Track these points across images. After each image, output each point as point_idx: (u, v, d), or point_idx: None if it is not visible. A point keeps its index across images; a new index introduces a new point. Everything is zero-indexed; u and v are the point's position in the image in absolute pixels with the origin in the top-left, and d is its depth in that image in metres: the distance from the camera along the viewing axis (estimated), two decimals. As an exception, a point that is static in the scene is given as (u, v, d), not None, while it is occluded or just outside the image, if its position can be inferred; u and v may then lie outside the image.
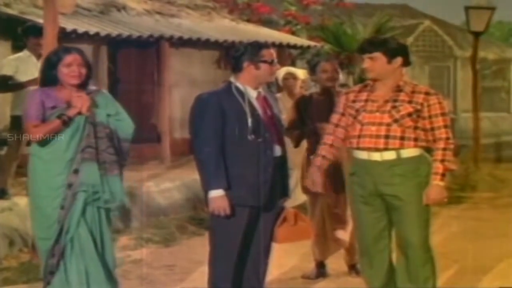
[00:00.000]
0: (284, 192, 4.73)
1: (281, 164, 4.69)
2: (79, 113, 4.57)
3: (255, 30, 13.37)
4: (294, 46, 13.40)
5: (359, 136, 4.61)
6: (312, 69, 6.26)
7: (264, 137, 4.58)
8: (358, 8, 16.54)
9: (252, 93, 4.66)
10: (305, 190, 6.08)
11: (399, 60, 4.59)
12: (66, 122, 4.55)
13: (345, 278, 6.05)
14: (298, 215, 4.68)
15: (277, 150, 4.65)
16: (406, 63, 4.65)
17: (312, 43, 13.58)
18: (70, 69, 4.60)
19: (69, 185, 4.58)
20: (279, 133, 4.70)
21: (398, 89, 4.59)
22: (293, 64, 13.36)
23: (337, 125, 4.77)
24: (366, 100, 4.65)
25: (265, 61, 4.64)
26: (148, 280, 6.14)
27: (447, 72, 22.57)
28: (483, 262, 6.51)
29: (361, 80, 13.82)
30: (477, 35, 13.55)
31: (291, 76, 7.47)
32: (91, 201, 4.63)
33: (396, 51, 4.60)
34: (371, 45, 4.66)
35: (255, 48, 4.70)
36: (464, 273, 6.16)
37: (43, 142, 4.58)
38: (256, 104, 4.65)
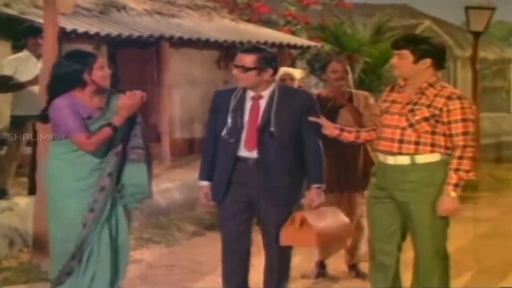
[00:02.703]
0: (267, 197, 4.70)
1: (260, 168, 4.66)
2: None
3: (255, 30, 13.37)
4: (294, 46, 13.40)
5: (379, 138, 4.57)
6: (322, 68, 6.30)
7: (237, 138, 4.66)
8: (358, 8, 16.54)
9: (251, 93, 4.73)
10: None
11: (427, 61, 4.43)
12: (117, 130, 4.53)
13: (345, 278, 6.05)
14: (306, 221, 4.60)
15: (245, 152, 4.68)
16: (439, 66, 4.50)
17: (312, 43, 13.58)
18: (104, 71, 4.60)
19: (102, 188, 4.53)
20: (259, 137, 4.65)
21: (421, 92, 4.45)
22: (293, 64, 13.36)
23: (376, 125, 4.75)
24: (392, 101, 4.56)
25: (235, 65, 4.72)
26: (148, 280, 6.14)
27: (447, 72, 22.53)
28: (483, 262, 6.51)
29: (361, 80, 13.85)
30: (477, 35, 13.54)
31: (288, 77, 7.48)
32: (132, 201, 4.68)
33: (427, 52, 4.43)
34: (401, 41, 4.52)
35: (236, 51, 4.81)
36: (464, 273, 6.16)
37: (71, 146, 4.51)
38: (247, 104, 4.71)
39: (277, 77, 7.58)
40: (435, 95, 4.43)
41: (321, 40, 13.82)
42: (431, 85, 4.46)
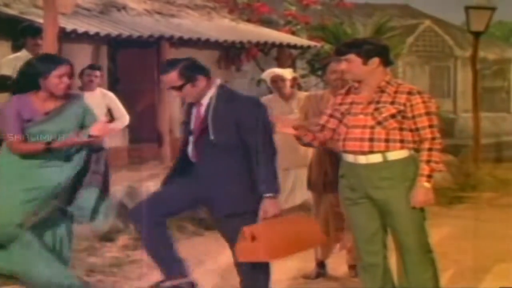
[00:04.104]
0: (213, 207, 4.70)
1: (204, 177, 4.64)
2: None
3: (255, 30, 13.37)
4: (294, 46, 13.40)
5: (344, 139, 4.58)
6: (323, 69, 6.25)
7: (185, 147, 4.72)
8: (358, 8, 16.58)
9: (203, 100, 4.68)
10: (311, 188, 6.09)
11: (376, 61, 4.52)
12: (50, 150, 4.59)
13: (345, 278, 6.05)
14: (256, 234, 4.41)
15: (193, 156, 4.70)
16: (386, 63, 4.58)
17: (312, 43, 13.58)
18: (61, 80, 4.64)
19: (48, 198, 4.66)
20: (201, 145, 4.64)
21: (380, 90, 4.53)
22: (293, 64, 13.36)
23: (323, 126, 4.72)
24: (351, 103, 4.61)
25: (169, 89, 4.71)
26: (148, 280, 6.13)
27: (447, 72, 22.57)
28: (483, 262, 6.50)
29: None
30: (477, 35, 13.54)
31: (279, 78, 7.52)
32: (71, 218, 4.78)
33: (372, 52, 4.52)
34: (345, 47, 4.62)
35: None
36: (464, 273, 6.16)
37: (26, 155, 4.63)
38: (194, 112, 4.72)
39: (267, 79, 7.69)
40: (395, 92, 4.52)
41: (321, 40, 13.82)
42: (388, 82, 4.56)
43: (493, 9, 13.62)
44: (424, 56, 21.73)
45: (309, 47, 13.64)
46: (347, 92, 4.70)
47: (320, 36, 13.96)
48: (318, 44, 13.63)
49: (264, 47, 13.28)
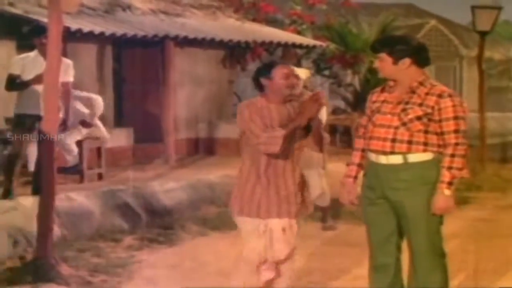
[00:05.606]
0: None
1: None
2: None
3: (260, 30, 13.36)
4: (300, 46, 13.39)
5: (370, 138, 4.53)
6: (259, 74, 4.90)
7: None
8: (364, 7, 16.53)
9: None
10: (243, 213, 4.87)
11: (407, 61, 4.44)
12: None
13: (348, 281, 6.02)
14: None
15: None
16: (421, 63, 4.50)
17: (317, 43, 13.57)
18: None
19: None
20: None
21: (411, 91, 4.46)
22: (298, 63, 13.34)
23: (366, 127, 4.67)
24: (383, 101, 4.55)
25: None
26: (152, 280, 6.12)
27: (453, 72, 22.54)
28: (489, 263, 6.48)
29: (366, 79, 13.82)
30: (483, 34, 13.49)
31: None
32: None
33: (404, 52, 4.45)
34: (378, 44, 4.57)
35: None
36: (471, 275, 6.13)
37: None
38: None
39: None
40: (426, 94, 4.44)
41: (326, 40, 13.80)
42: (421, 83, 4.48)
43: (499, 8, 13.57)
44: (430, 55, 21.66)
45: (314, 46, 13.63)
46: (382, 90, 4.64)
47: (325, 35, 13.95)
48: (324, 44, 13.62)
49: (269, 47, 13.27)
